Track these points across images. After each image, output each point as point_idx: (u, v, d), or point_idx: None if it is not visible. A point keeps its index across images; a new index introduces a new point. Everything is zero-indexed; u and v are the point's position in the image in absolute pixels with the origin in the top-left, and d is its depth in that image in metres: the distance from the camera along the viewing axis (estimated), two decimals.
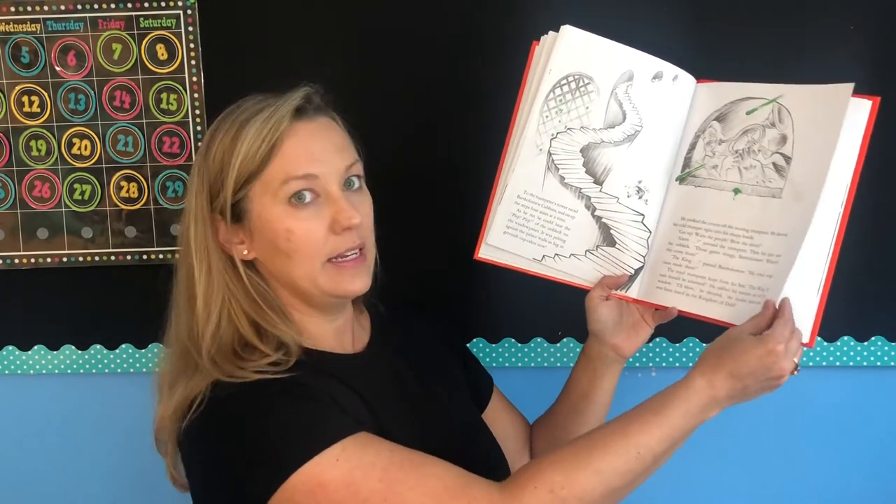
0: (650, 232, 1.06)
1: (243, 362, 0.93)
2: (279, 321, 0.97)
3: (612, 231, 1.05)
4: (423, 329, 1.16)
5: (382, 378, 1.03)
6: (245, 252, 0.98)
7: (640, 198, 1.05)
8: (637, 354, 1.19)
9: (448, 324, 1.20)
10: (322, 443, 0.86)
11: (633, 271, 1.06)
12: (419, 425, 1.01)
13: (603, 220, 1.05)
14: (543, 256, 1.07)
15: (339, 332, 1.03)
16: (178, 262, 1.01)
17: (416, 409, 1.03)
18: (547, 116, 1.04)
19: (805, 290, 0.95)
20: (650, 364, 1.36)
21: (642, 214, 1.05)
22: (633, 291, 1.07)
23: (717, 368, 0.89)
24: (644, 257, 1.06)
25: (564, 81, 1.04)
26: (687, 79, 1.05)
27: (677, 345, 1.36)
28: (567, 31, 1.04)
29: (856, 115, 0.93)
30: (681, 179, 1.04)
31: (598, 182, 1.04)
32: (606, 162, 1.04)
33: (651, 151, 1.05)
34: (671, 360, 1.37)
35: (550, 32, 1.05)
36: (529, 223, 1.06)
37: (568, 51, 1.04)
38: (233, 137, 0.95)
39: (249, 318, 0.96)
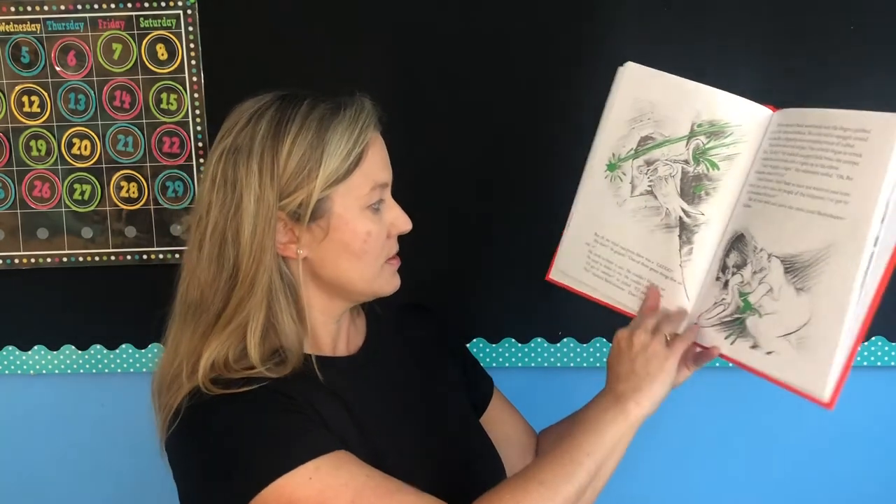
0: (702, 265, 0.99)
1: (231, 372, 0.93)
2: (301, 321, 0.97)
3: (664, 264, 1.00)
4: (421, 331, 1.16)
5: (374, 381, 1.03)
6: (300, 251, 0.96)
7: (694, 230, 0.99)
8: None
9: (448, 325, 1.20)
10: (296, 459, 0.86)
11: (675, 303, 1.00)
12: (409, 429, 1.01)
13: (658, 249, 1.01)
14: (601, 282, 1.05)
15: (337, 334, 1.04)
16: (203, 261, 0.96)
17: (408, 413, 1.03)
18: (615, 149, 1.03)
19: (831, 340, 0.85)
20: None
21: (692, 244, 0.99)
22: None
23: (609, 375, 0.98)
24: (693, 292, 1.00)
25: (633, 117, 1.02)
26: (756, 109, 0.97)
27: None
28: (628, 67, 1.03)
29: None
30: (746, 205, 0.97)
31: (662, 213, 1.01)
32: (672, 195, 1.00)
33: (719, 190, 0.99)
34: None
35: (624, 64, 1.04)
36: (593, 256, 1.05)
37: (630, 86, 1.02)
38: (317, 137, 0.93)
39: (269, 322, 0.95)
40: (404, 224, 1.01)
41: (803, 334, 0.87)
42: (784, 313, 0.89)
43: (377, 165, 0.98)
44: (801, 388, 0.87)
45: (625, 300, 1.03)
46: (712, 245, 0.98)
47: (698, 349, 0.99)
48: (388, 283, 1.02)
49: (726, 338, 0.95)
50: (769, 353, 0.90)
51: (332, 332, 1.02)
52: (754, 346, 0.92)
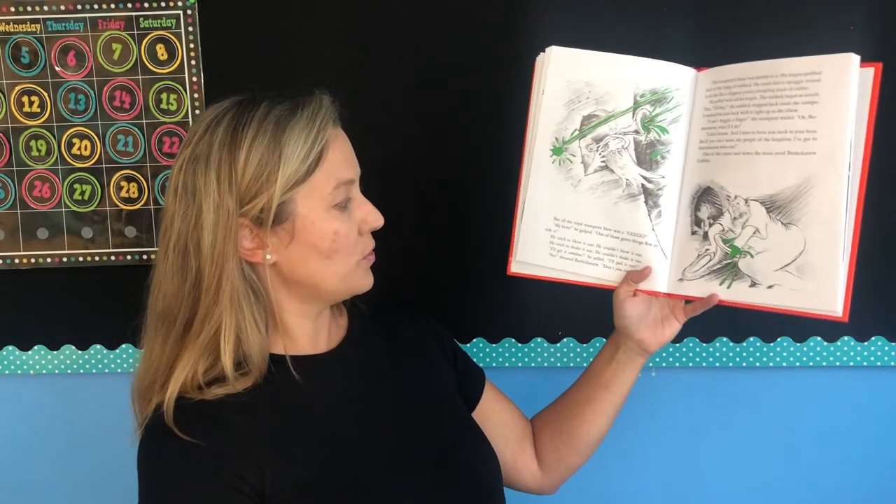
0: (673, 224, 1.04)
1: (194, 391, 0.94)
2: (273, 327, 0.98)
3: (635, 231, 1.04)
4: (406, 328, 1.16)
5: (351, 374, 1.04)
6: (268, 256, 0.96)
7: (658, 193, 1.03)
8: None
9: (435, 322, 1.19)
10: None
11: (654, 264, 1.04)
12: (382, 422, 1.02)
13: (626, 219, 1.04)
14: (570, 263, 1.07)
15: (316, 332, 1.04)
16: (167, 272, 0.97)
17: (384, 407, 1.04)
18: (557, 133, 1.05)
19: (831, 259, 0.93)
20: (650, 363, 1.36)
21: (660, 207, 1.03)
22: (662, 286, 1.04)
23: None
24: (669, 250, 1.04)
25: (570, 99, 1.04)
26: (686, 72, 1.03)
27: (677, 345, 1.36)
28: (554, 51, 1.05)
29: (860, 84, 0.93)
30: (700, 161, 1.02)
31: (622, 185, 1.04)
32: (625, 163, 1.04)
33: (666, 151, 1.04)
34: (671, 359, 1.37)
35: (546, 50, 1.06)
36: (556, 240, 1.07)
37: (559, 70, 1.05)
38: (273, 140, 0.93)
39: (239, 332, 0.95)
40: (375, 220, 1.01)
41: (802, 262, 0.95)
42: (777, 248, 0.96)
43: (340, 163, 0.97)
44: (812, 309, 0.95)
45: (599, 274, 1.06)
46: (676, 203, 1.03)
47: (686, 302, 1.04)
48: (361, 280, 1.02)
49: (721, 283, 1.01)
50: (770, 286, 0.97)
51: (309, 331, 1.03)
52: (753, 285, 0.98)
